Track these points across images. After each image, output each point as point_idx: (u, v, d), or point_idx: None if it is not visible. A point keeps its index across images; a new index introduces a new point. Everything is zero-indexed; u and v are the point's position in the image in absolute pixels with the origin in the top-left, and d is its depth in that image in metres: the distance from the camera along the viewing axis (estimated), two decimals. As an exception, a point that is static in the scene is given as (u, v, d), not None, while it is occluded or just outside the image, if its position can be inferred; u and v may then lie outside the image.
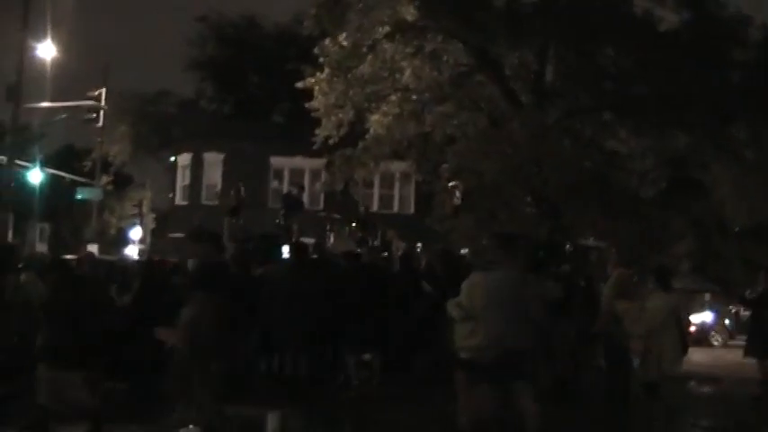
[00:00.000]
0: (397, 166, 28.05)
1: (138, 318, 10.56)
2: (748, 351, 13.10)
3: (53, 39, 28.88)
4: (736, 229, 28.69)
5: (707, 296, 32.44)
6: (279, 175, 36.20)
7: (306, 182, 34.00)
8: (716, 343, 26.26)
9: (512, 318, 8.07)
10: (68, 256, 20.46)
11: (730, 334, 26.63)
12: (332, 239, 19.05)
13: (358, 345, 10.88)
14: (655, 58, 18.98)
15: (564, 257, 15.00)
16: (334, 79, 20.67)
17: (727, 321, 27.86)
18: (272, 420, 8.47)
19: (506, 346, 7.97)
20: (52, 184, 36.52)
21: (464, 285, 9.34)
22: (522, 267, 8.73)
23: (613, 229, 19.38)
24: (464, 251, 18.80)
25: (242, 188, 19.18)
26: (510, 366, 8.01)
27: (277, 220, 18.02)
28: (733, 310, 29.16)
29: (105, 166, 36.64)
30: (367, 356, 11.09)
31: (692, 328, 24.01)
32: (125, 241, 47.77)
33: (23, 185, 32.66)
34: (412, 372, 11.97)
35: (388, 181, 35.02)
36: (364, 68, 20.59)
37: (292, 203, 18.78)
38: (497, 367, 8.00)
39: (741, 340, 25.39)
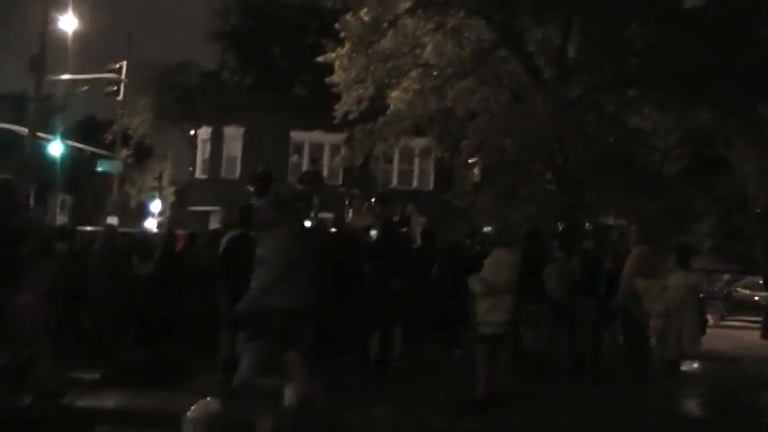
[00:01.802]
0: (417, 142, 27.93)
1: (160, 287, 10.66)
2: (766, 333, 13.04)
3: (74, 10, 28.91)
4: (758, 210, 28.49)
5: (725, 276, 32.36)
6: (299, 149, 36.25)
7: (325, 157, 34.06)
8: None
9: (286, 274, 8.08)
10: (89, 228, 20.65)
11: (721, 315, 26.57)
12: (351, 215, 19.05)
13: (378, 317, 10.88)
14: (680, 34, 18.76)
15: (585, 234, 14.90)
16: (355, 54, 20.53)
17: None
18: (289, 392, 8.52)
19: (279, 302, 7.98)
20: (73, 155, 36.69)
21: (487, 261, 9.36)
22: (299, 226, 8.74)
23: (635, 206, 19.25)
24: (486, 229, 18.73)
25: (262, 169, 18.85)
26: (291, 325, 8.05)
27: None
28: (725, 291, 29.02)
29: (125, 138, 36.78)
30: (388, 329, 11.10)
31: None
32: (145, 214, 48.07)
33: (45, 157, 32.82)
34: (436, 345, 12.03)
35: (407, 156, 34.96)
36: (385, 43, 20.44)
37: (310, 178, 18.65)
38: (268, 322, 8.03)
39: (733, 321, 25.55)
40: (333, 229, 14.48)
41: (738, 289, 29.15)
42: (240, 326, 9.76)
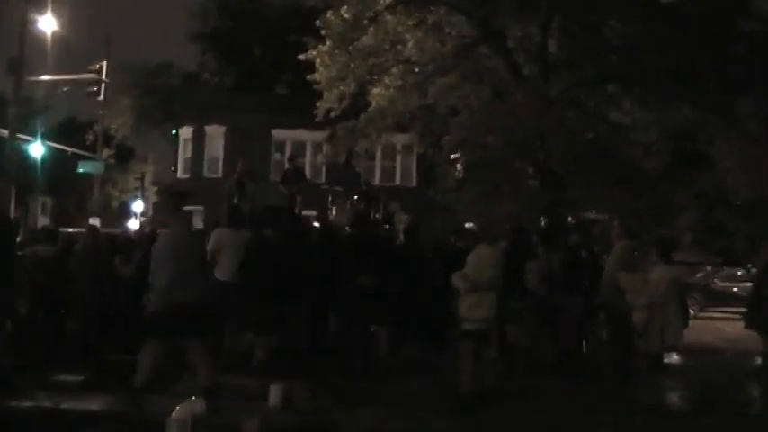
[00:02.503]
0: (399, 139, 27.91)
1: (142, 288, 10.55)
2: (750, 323, 13.05)
3: (53, 11, 28.68)
4: (739, 202, 28.65)
5: (708, 268, 32.54)
6: (281, 147, 36.19)
7: (307, 154, 34.05)
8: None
9: (179, 273, 8.23)
10: (71, 229, 20.53)
11: (700, 306, 26.70)
12: (334, 212, 18.99)
13: (364, 316, 10.83)
14: (659, 30, 18.82)
15: (568, 229, 14.95)
16: (336, 52, 20.50)
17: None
18: (274, 392, 8.50)
19: (174, 300, 8.14)
20: (54, 157, 36.45)
21: (470, 257, 9.36)
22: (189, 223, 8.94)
23: (617, 201, 19.31)
24: (469, 225, 18.74)
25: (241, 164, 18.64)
26: (178, 321, 8.15)
27: (284, 192, 17.67)
28: (703, 284, 29.17)
29: (107, 139, 36.57)
30: (373, 328, 11.08)
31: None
32: (127, 214, 47.86)
33: (25, 159, 32.60)
34: (420, 344, 12.02)
35: (389, 153, 34.93)
36: (366, 40, 20.42)
37: (293, 175, 18.57)
38: (165, 321, 8.20)
39: (712, 312, 25.68)
40: (316, 224, 14.49)
41: (717, 281, 29.31)
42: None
